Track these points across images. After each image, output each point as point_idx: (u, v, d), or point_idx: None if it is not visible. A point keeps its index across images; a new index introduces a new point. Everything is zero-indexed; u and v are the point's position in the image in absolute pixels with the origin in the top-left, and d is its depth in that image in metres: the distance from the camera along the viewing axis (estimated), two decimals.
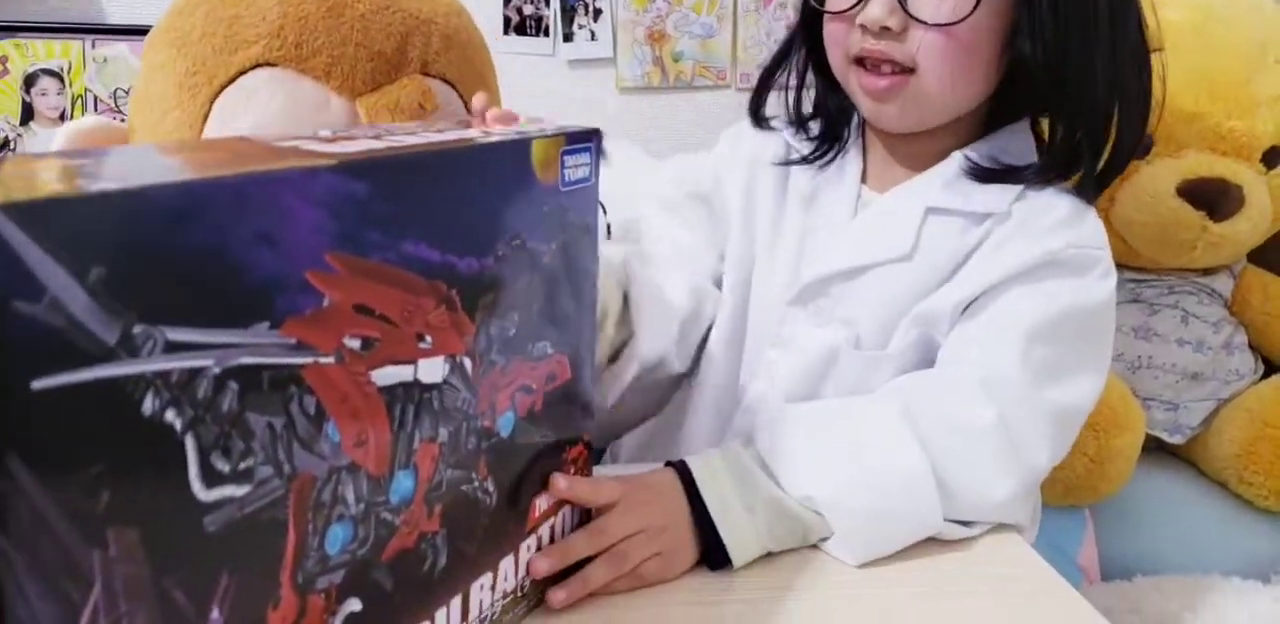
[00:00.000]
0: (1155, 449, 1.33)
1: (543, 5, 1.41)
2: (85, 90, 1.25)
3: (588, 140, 0.59)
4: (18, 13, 1.25)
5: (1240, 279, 1.35)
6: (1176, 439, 1.32)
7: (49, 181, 0.33)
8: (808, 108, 0.92)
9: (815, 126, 0.91)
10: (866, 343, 0.84)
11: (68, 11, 1.27)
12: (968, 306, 0.81)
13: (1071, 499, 1.23)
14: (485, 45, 0.81)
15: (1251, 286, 1.35)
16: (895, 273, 0.83)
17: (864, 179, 0.89)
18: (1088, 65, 0.78)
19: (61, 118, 1.25)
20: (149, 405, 0.33)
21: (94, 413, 0.32)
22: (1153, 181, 1.23)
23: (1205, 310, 1.32)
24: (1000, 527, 0.77)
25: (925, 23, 0.76)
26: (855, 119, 0.91)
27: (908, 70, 0.79)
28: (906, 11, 0.76)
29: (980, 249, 0.82)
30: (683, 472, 0.71)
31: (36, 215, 0.29)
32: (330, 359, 0.41)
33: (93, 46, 1.24)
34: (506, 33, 1.42)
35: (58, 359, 0.30)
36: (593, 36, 1.43)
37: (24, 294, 0.29)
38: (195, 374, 0.35)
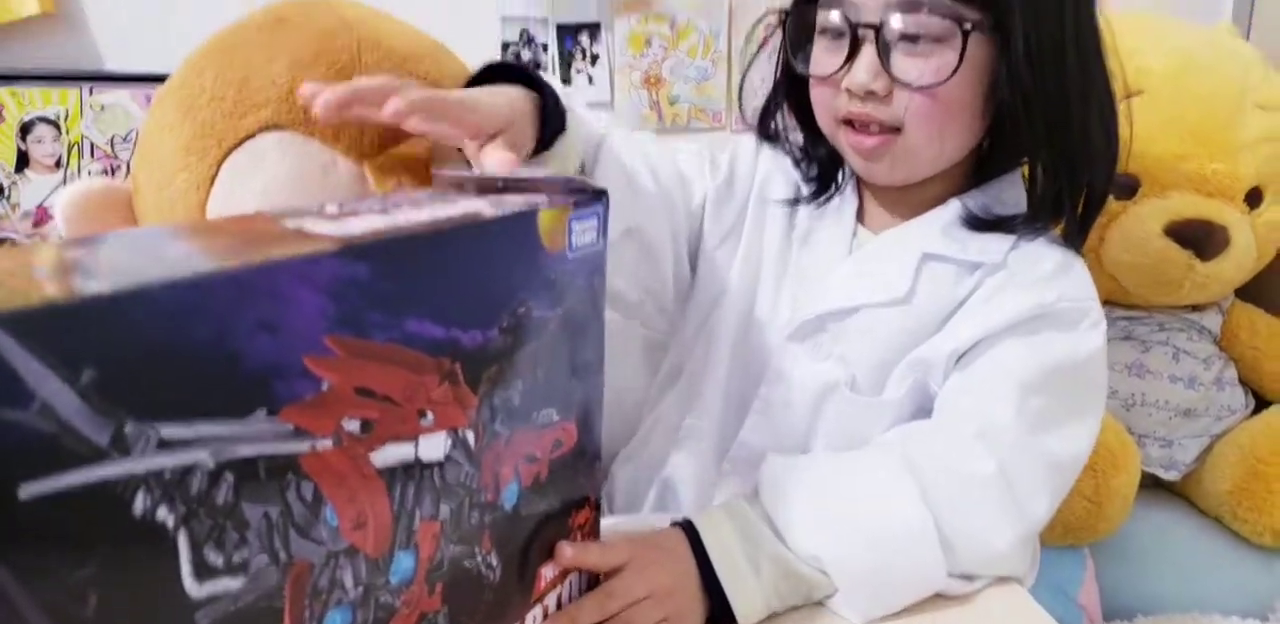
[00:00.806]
0: (1152, 485, 1.33)
1: (540, 51, 1.42)
2: (82, 137, 1.25)
3: (596, 203, 0.58)
4: (15, 61, 1.25)
5: (1229, 315, 1.37)
6: (1172, 476, 1.33)
7: (42, 281, 0.32)
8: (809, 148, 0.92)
9: (812, 168, 0.92)
10: (862, 385, 0.85)
11: (65, 59, 1.27)
12: (962, 356, 0.81)
13: (1070, 539, 1.23)
14: None
15: (1240, 322, 1.36)
16: (890, 315, 0.84)
17: (860, 218, 0.90)
18: (1063, 112, 0.80)
19: (57, 165, 1.25)
20: (140, 505, 0.33)
21: (83, 515, 0.31)
22: (1141, 222, 1.25)
23: (1196, 347, 1.33)
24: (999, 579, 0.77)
25: (907, 84, 0.77)
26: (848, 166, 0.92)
27: (894, 130, 0.80)
28: (891, 74, 0.77)
29: (972, 298, 0.83)
30: (689, 530, 0.72)
31: (29, 323, 0.29)
32: (329, 443, 0.41)
33: (90, 94, 1.25)
34: None
35: (47, 464, 0.30)
36: (590, 81, 1.44)
37: (13, 401, 0.29)
38: (189, 469, 0.35)
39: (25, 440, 0.29)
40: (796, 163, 0.92)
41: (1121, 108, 1.24)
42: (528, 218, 0.52)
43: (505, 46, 1.42)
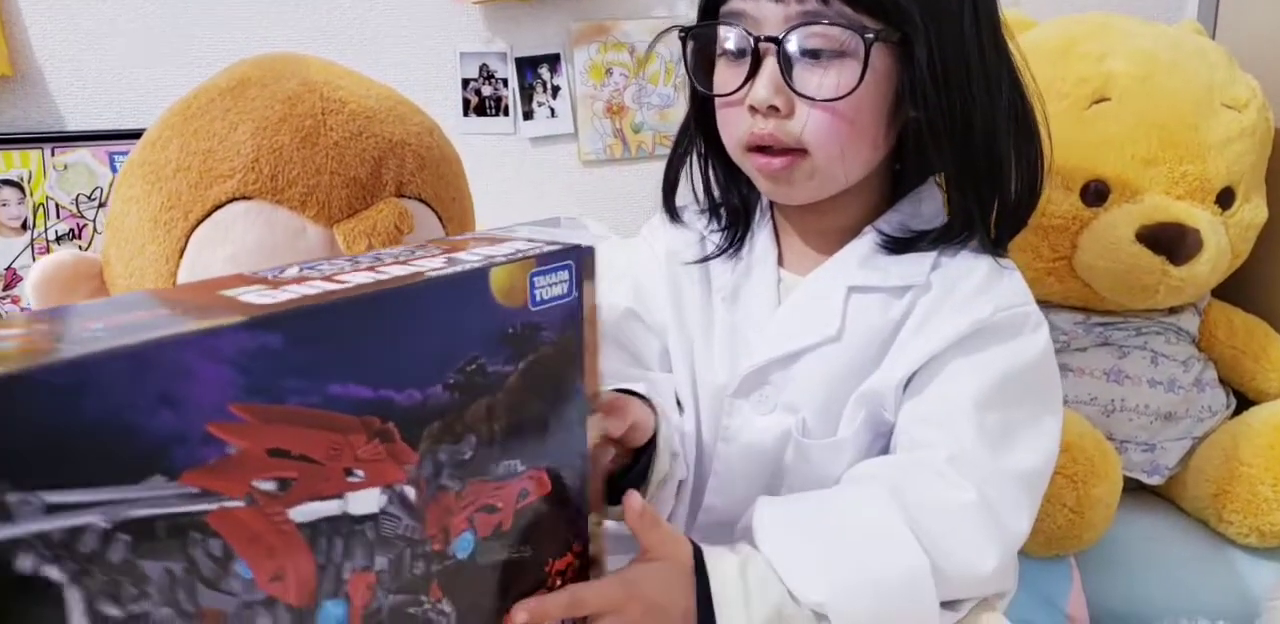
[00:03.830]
0: (1135, 489, 1.33)
1: (501, 86, 1.42)
2: (46, 198, 1.25)
3: (565, 257, 0.57)
4: None
5: (1205, 315, 1.37)
6: (1155, 480, 1.33)
7: None
8: (717, 194, 0.92)
9: (724, 214, 0.91)
10: (814, 429, 0.84)
11: (26, 120, 1.28)
12: (910, 382, 0.81)
13: (1055, 549, 1.22)
14: (458, 158, 0.82)
15: (1217, 322, 1.37)
16: (828, 354, 0.83)
17: (781, 263, 0.89)
18: (968, 127, 0.79)
19: (24, 227, 1.25)
20: (26, 564, 0.35)
21: None
22: (1112, 228, 1.24)
23: (1174, 349, 1.33)
24: (981, 604, 0.78)
25: (810, 99, 0.76)
26: (763, 201, 0.91)
27: (800, 150, 0.79)
28: (793, 89, 0.77)
29: (907, 322, 0.83)
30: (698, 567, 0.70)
31: None
32: (239, 503, 0.42)
33: (52, 154, 1.25)
34: (467, 114, 1.43)
35: None
36: (552, 113, 1.45)
37: None
38: (79, 531, 0.36)
39: None
40: (709, 214, 0.92)
41: (1089, 114, 1.27)
42: (477, 275, 0.52)
43: (465, 83, 1.42)
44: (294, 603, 0.46)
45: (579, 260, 0.59)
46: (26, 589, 0.35)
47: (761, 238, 0.90)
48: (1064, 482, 1.19)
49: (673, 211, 0.94)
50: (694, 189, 0.92)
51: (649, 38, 1.44)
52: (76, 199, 1.24)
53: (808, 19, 0.75)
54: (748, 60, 0.78)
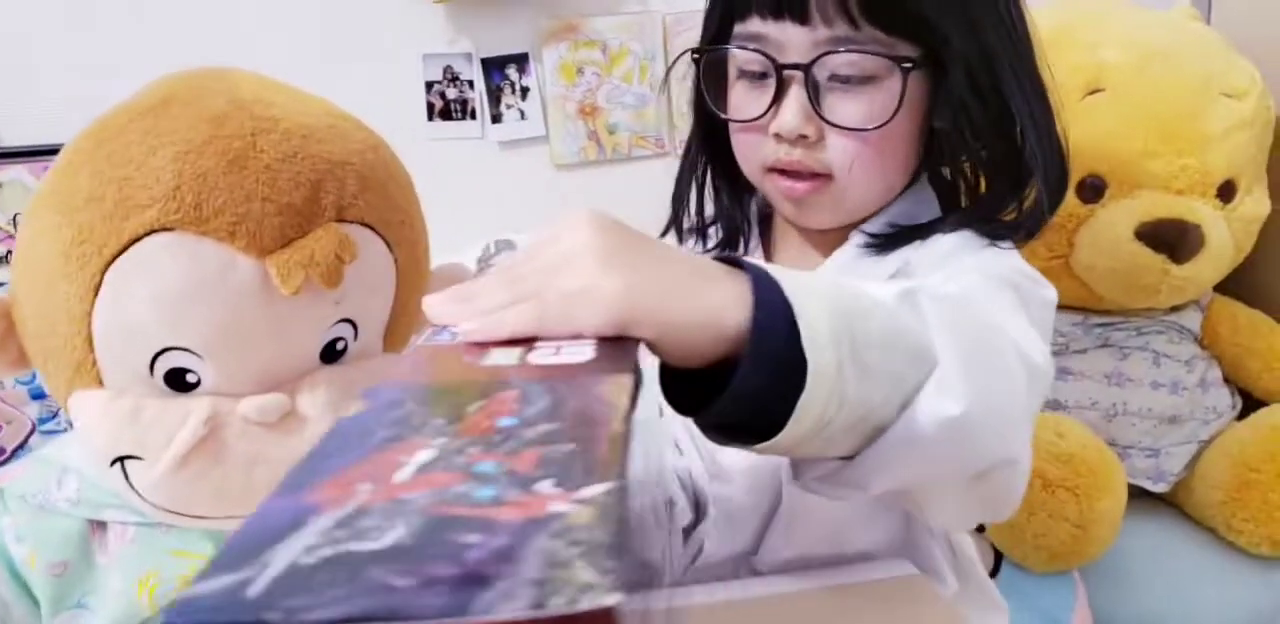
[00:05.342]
0: (1139, 496, 1.28)
1: (467, 88, 1.35)
2: None
3: None
4: None
5: (1209, 311, 1.33)
6: (1160, 487, 1.29)
7: None
8: (712, 214, 0.87)
9: (715, 233, 0.86)
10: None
11: None
12: None
13: (1059, 565, 1.19)
14: (407, 176, 0.75)
15: (1220, 318, 1.33)
16: None
17: None
18: (1001, 128, 0.73)
19: None
20: None
21: None
22: (1110, 226, 1.20)
23: (1176, 349, 1.29)
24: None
25: (842, 128, 0.71)
26: (754, 215, 0.86)
27: (828, 175, 0.74)
28: (823, 118, 0.71)
29: None
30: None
31: None
32: None
33: None
34: (431, 119, 1.36)
35: None
36: (522, 116, 1.38)
37: None
38: None
39: None
40: (696, 234, 0.86)
41: (1082, 106, 1.21)
42: None
43: (429, 86, 1.35)
44: None
45: None
46: None
47: (751, 250, 0.85)
48: (1067, 495, 1.15)
49: (680, 232, 0.88)
50: (687, 209, 0.86)
51: (622, 34, 1.38)
52: (14, 219, 1.18)
53: (839, 46, 0.69)
54: (770, 85, 0.72)
